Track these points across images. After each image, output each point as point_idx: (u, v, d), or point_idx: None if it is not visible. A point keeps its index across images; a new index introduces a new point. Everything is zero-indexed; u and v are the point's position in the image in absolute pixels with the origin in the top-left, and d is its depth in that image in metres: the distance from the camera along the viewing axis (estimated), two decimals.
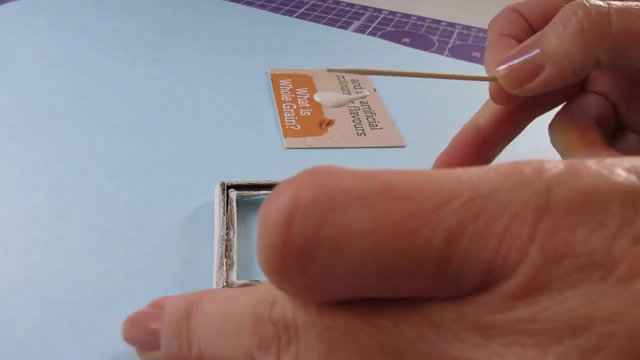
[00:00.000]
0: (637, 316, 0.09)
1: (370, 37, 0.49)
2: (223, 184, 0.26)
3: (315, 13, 0.54)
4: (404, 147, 0.33)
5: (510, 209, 0.10)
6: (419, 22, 0.54)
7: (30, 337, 0.20)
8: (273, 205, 0.11)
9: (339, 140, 0.33)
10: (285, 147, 0.32)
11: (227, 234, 0.23)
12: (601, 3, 0.20)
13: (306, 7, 0.55)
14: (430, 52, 0.46)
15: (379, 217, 0.10)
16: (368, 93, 0.38)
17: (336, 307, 0.12)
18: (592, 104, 0.25)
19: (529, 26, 0.25)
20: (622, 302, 0.09)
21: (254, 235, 0.24)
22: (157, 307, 0.17)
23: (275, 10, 0.54)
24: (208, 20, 0.49)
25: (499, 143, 0.27)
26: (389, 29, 0.52)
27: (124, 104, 0.35)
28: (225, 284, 0.21)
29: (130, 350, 0.19)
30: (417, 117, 0.36)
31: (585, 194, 0.10)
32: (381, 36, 0.50)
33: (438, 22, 0.54)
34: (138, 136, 0.32)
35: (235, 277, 0.21)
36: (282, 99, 0.37)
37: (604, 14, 0.20)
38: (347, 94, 0.38)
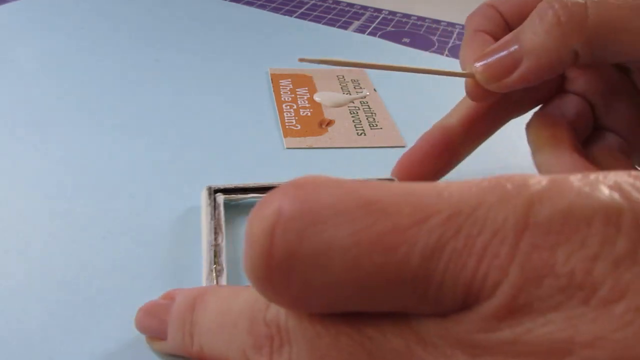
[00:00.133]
0: (620, 342, 0.09)
1: (370, 37, 0.49)
2: (210, 188, 0.25)
3: (315, 13, 0.54)
4: (404, 147, 0.33)
5: (490, 227, 0.10)
6: (419, 22, 0.54)
7: (30, 337, 0.20)
8: (257, 217, 0.11)
9: (339, 140, 0.33)
10: (285, 147, 0.32)
11: (215, 239, 0.23)
12: None
13: (306, 7, 0.55)
14: (430, 52, 0.46)
15: (357, 232, 0.10)
16: (368, 93, 0.38)
17: (327, 315, 0.12)
18: (569, 104, 0.25)
19: (505, 22, 0.25)
20: (604, 327, 0.09)
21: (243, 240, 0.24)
22: (169, 298, 0.17)
23: (275, 10, 0.54)
24: (208, 20, 0.49)
25: (467, 144, 0.26)
26: (389, 29, 0.52)
27: (124, 104, 0.35)
28: None
29: (130, 350, 0.19)
30: (417, 117, 0.36)
31: (566, 211, 0.10)
32: (381, 36, 0.50)
33: (438, 22, 0.54)
34: (138, 136, 0.32)
35: (224, 283, 0.21)
36: (282, 99, 0.37)
37: (581, 5, 0.20)
38: (347, 94, 0.38)
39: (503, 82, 0.22)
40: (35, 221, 0.25)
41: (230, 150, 0.31)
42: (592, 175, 0.10)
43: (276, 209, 0.11)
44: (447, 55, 0.46)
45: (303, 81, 0.39)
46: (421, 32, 0.51)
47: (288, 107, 0.36)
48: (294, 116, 0.35)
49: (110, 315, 0.21)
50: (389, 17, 0.55)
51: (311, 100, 0.37)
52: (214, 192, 0.25)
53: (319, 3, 0.57)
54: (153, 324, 0.18)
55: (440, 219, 0.10)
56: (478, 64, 0.22)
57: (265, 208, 0.11)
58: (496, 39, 0.23)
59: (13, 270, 0.22)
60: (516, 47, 0.21)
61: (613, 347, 0.09)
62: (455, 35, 0.51)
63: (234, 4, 0.54)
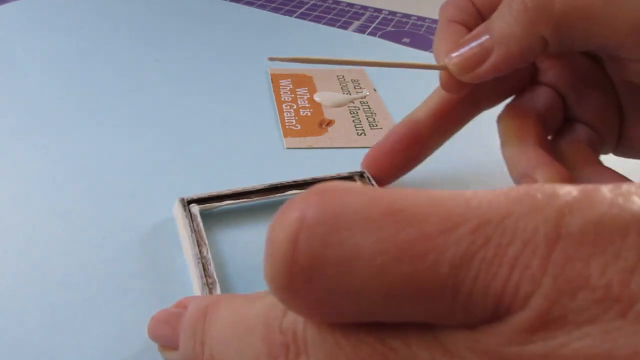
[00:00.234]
0: None
1: (370, 37, 0.49)
2: (182, 199, 0.24)
3: (315, 13, 0.54)
4: None
5: (520, 237, 0.10)
6: (419, 22, 0.54)
7: (30, 337, 0.20)
8: (280, 224, 0.11)
9: (339, 140, 0.33)
10: (285, 147, 0.32)
11: (200, 252, 0.22)
12: None
13: (306, 7, 0.55)
14: (430, 52, 0.46)
15: (383, 239, 0.10)
16: (368, 93, 0.38)
17: (348, 324, 0.11)
18: (540, 96, 0.25)
19: (477, 12, 0.25)
20: None
21: (226, 249, 0.24)
22: (181, 306, 0.17)
23: (275, 10, 0.54)
24: (208, 20, 0.49)
25: (436, 137, 0.26)
26: (389, 29, 0.52)
27: (124, 104, 0.35)
28: None
29: (130, 350, 0.19)
30: None
31: (598, 223, 0.09)
32: (381, 36, 0.50)
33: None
34: (138, 136, 0.32)
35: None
36: (282, 99, 0.37)
37: None
38: (347, 94, 0.38)
39: (475, 73, 0.22)
40: (35, 221, 0.25)
41: (230, 150, 0.31)
42: (624, 186, 0.10)
43: (299, 215, 0.10)
44: None
45: (303, 81, 0.39)
46: (421, 32, 0.51)
47: (288, 107, 0.36)
48: (294, 116, 0.35)
49: (111, 315, 0.21)
50: (389, 17, 0.55)
51: (311, 100, 0.37)
52: (187, 203, 0.24)
53: (319, 3, 0.57)
54: (165, 332, 0.17)
55: (469, 227, 0.10)
56: (451, 56, 0.22)
57: (288, 214, 0.11)
58: (469, 29, 0.24)
59: (13, 270, 0.22)
60: (487, 37, 0.22)
61: None
62: None
63: (234, 4, 0.54)
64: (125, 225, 0.25)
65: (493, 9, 0.22)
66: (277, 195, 0.25)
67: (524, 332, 0.09)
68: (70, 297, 0.21)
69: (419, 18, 0.55)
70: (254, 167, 0.29)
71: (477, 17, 0.25)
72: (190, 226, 0.23)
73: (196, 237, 0.22)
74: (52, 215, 0.25)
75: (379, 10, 0.56)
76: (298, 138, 0.33)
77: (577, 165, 0.23)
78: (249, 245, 0.24)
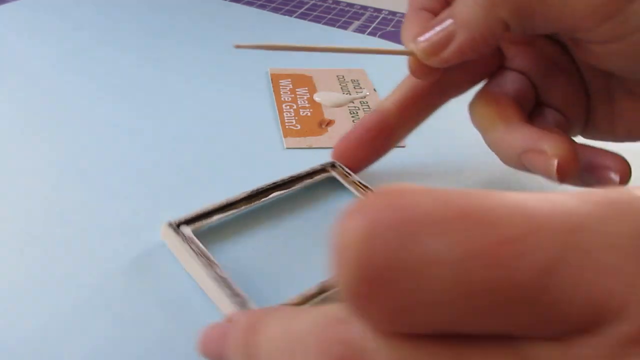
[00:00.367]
0: None
1: (370, 37, 0.49)
2: (171, 223, 0.23)
3: (315, 13, 0.54)
4: (404, 147, 0.33)
5: (611, 242, 0.09)
6: None
7: (30, 337, 0.20)
8: (349, 228, 0.10)
9: None
10: (285, 147, 0.32)
11: (215, 272, 0.21)
12: None
13: (306, 7, 0.55)
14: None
15: (463, 243, 0.09)
16: (368, 93, 0.38)
17: (418, 335, 0.10)
18: (510, 81, 0.25)
19: None
20: None
21: (228, 264, 0.23)
22: (229, 320, 0.17)
23: (275, 10, 0.54)
24: (208, 20, 0.49)
25: (403, 126, 0.27)
26: (389, 29, 0.52)
27: (124, 104, 0.35)
28: None
29: (130, 350, 0.19)
30: None
31: None
32: (381, 36, 0.50)
33: None
34: (137, 135, 0.32)
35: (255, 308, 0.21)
36: (282, 99, 0.37)
37: None
38: (347, 94, 0.38)
39: (441, 57, 0.22)
40: (34, 221, 0.25)
41: (230, 150, 0.31)
42: None
43: (371, 216, 0.10)
44: None
45: (303, 81, 0.39)
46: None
47: (288, 107, 0.36)
48: (294, 116, 0.35)
49: (111, 315, 0.21)
50: (389, 17, 0.55)
51: (311, 100, 0.37)
52: (177, 226, 0.23)
53: (319, 3, 0.57)
54: (214, 348, 0.17)
55: (555, 231, 0.09)
56: (417, 41, 0.23)
57: (357, 216, 0.10)
58: (436, 15, 0.24)
59: (13, 270, 0.22)
60: (450, 21, 0.22)
61: None
62: None
63: (234, 4, 0.54)
64: (125, 225, 0.25)
65: None
66: (263, 199, 0.25)
67: (623, 345, 0.09)
68: (70, 296, 0.21)
69: None
70: (253, 167, 0.29)
71: (445, 4, 0.25)
72: (191, 249, 0.22)
73: (205, 259, 0.22)
74: (52, 214, 0.25)
75: (379, 10, 0.56)
76: (298, 138, 0.33)
77: None
78: (251, 256, 0.24)
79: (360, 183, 0.27)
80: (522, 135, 0.22)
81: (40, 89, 0.36)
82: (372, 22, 0.53)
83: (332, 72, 0.41)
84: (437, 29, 0.22)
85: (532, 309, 0.09)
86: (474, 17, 0.21)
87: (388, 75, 0.40)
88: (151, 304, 0.21)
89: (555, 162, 0.20)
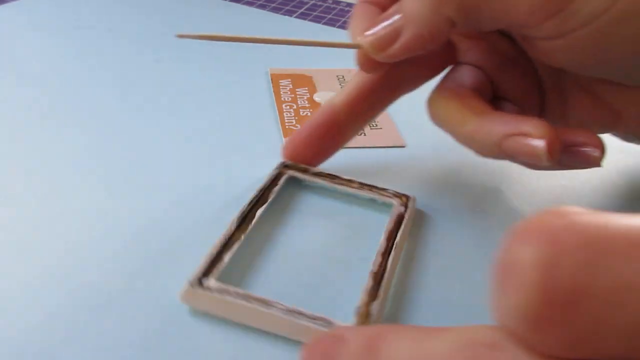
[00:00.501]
0: None
1: None
2: (192, 282, 0.21)
3: (315, 13, 0.54)
4: (404, 147, 0.33)
5: None
6: None
7: (30, 337, 0.20)
8: (526, 250, 0.10)
9: None
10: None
11: (278, 307, 0.20)
12: None
13: (306, 7, 0.55)
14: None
15: None
16: None
17: None
18: (467, 75, 0.25)
19: None
20: None
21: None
22: (338, 337, 0.16)
23: (275, 10, 0.54)
24: (208, 20, 0.49)
25: (352, 124, 0.27)
26: None
27: (124, 104, 0.35)
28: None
29: (130, 350, 0.19)
30: (417, 117, 0.36)
31: None
32: None
33: None
34: (137, 135, 0.32)
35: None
36: (282, 99, 0.37)
37: None
38: None
39: (388, 52, 0.22)
40: (34, 221, 0.25)
41: (230, 150, 0.31)
42: None
43: (551, 238, 0.09)
44: None
45: (303, 81, 0.39)
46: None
47: (288, 107, 0.36)
48: (294, 116, 0.35)
49: (111, 315, 0.21)
50: None
51: (311, 100, 0.37)
52: (199, 281, 0.21)
53: (319, 3, 0.57)
54: None
55: None
56: (365, 34, 0.23)
57: (533, 238, 0.10)
58: (385, 10, 0.24)
59: (13, 270, 0.22)
60: (398, 16, 0.22)
61: None
62: None
63: (234, 4, 0.54)
64: (125, 223, 0.25)
65: None
66: (253, 221, 0.24)
67: None
68: (71, 296, 0.21)
69: None
70: (253, 168, 0.29)
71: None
72: (238, 298, 0.20)
73: (258, 301, 0.20)
74: (52, 214, 0.25)
75: None
76: None
77: None
78: (280, 280, 0.23)
79: (322, 173, 0.27)
80: (500, 123, 0.22)
81: (40, 89, 0.36)
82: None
83: (332, 72, 0.41)
84: (385, 23, 0.22)
85: None
86: (420, 15, 0.21)
87: None
88: None
89: (544, 142, 0.20)
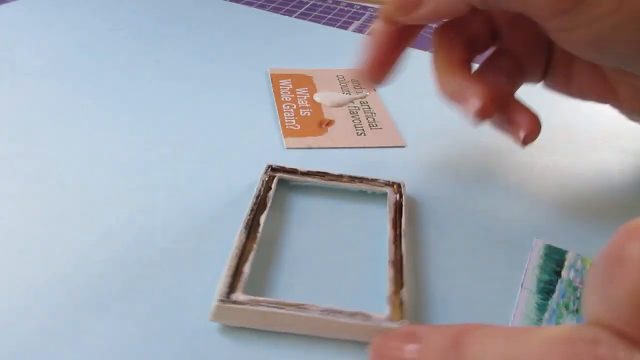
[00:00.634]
0: None
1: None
2: (223, 299, 0.20)
3: (315, 13, 0.54)
4: (404, 147, 0.33)
5: None
6: None
7: (30, 337, 0.20)
8: (638, 247, 0.11)
9: (338, 141, 0.33)
10: (285, 147, 0.32)
11: (313, 309, 0.20)
12: None
13: (306, 7, 0.55)
14: (430, 51, 0.46)
15: None
16: (368, 93, 0.38)
17: None
18: (471, 19, 0.27)
19: None
20: None
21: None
22: (409, 335, 0.16)
23: (275, 10, 0.54)
24: (208, 20, 0.49)
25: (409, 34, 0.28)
26: None
27: (124, 104, 0.35)
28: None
29: (130, 350, 0.19)
30: (417, 117, 0.36)
31: None
32: None
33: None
34: (136, 135, 0.32)
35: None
36: (282, 99, 0.37)
37: None
38: (347, 94, 0.38)
39: (408, 17, 0.25)
40: (34, 221, 0.25)
41: (230, 150, 0.31)
42: None
43: None
44: None
45: (303, 81, 0.39)
46: (420, 32, 0.51)
47: (288, 107, 0.36)
48: (294, 116, 0.35)
49: (111, 315, 0.21)
50: None
51: (311, 100, 0.37)
52: (227, 297, 0.20)
53: (319, 3, 0.57)
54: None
55: None
56: None
57: None
58: None
59: (13, 270, 0.22)
60: None
61: None
62: None
63: (234, 4, 0.54)
64: (123, 223, 0.25)
65: None
66: (260, 229, 0.24)
67: None
68: (71, 297, 0.21)
69: None
70: (253, 168, 0.29)
71: None
72: (272, 308, 0.20)
73: (292, 307, 0.20)
74: (51, 214, 0.25)
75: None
76: (298, 138, 0.33)
77: None
78: (304, 285, 0.23)
79: (311, 172, 0.28)
80: (455, 79, 0.25)
81: (40, 90, 0.36)
82: (372, 22, 0.53)
83: (332, 72, 0.41)
84: None
85: None
86: None
87: None
88: None
89: (479, 103, 0.23)
